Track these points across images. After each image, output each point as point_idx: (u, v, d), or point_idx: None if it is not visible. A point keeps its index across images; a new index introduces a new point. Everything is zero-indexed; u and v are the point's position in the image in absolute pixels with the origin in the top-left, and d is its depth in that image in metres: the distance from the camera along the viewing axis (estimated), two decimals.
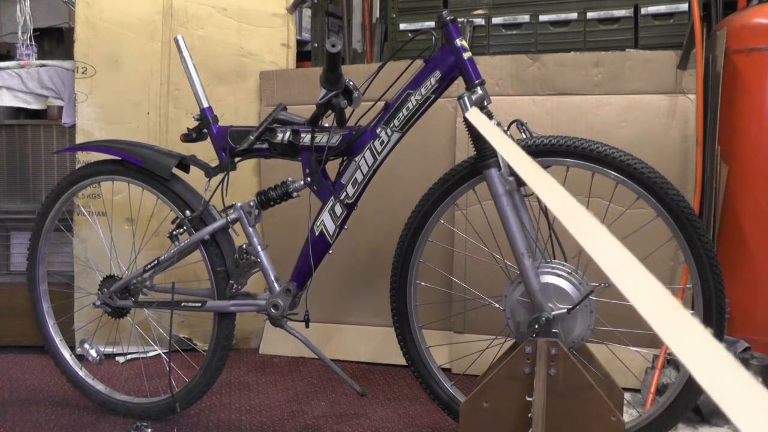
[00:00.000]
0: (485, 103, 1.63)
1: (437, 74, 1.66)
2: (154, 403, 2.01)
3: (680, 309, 0.56)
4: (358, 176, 1.74)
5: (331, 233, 1.78)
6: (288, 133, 1.80)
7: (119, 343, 2.52)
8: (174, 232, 1.90)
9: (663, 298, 0.58)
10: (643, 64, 2.22)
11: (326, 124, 1.79)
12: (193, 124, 1.93)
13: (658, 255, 1.97)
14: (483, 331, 1.97)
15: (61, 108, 2.72)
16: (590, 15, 2.45)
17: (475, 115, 1.51)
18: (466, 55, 1.64)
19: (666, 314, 0.56)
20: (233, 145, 1.85)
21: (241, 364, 2.52)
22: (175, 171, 1.94)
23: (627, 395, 1.90)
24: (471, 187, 1.73)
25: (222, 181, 1.86)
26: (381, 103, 1.74)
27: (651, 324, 0.55)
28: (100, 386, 2.10)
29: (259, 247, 1.85)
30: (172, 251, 1.91)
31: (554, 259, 1.65)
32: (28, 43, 2.91)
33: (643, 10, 2.39)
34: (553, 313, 1.55)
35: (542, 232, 1.66)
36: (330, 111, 1.72)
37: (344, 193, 1.75)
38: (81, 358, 2.12)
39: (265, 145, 1.83)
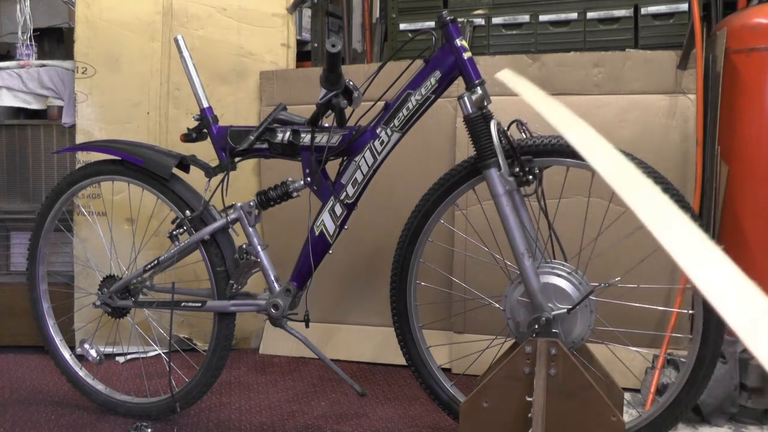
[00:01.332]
0: (485, 103, 1.63)
1: (437, 74, 1.66)
2: (154, 403, 2.01)
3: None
4: (358, 176, 1.74)
5: (331, 233, 1.78)
6: (288, 133, 1.80)
7: (119, 343, 2.52)
8: (174, 232, 1.91)
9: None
10: (643, 64, 2.22)
11: (326, 124, 1.79)
12: (193, 124, 1.93)
13: (658, 255, 1.97)
14: (483, 331, 1.97)
15: (61, 108, 2.72)
16: (590, 15, 2.45)
17: (506, 75, 1.49)
18: (466, 55, 1.64)
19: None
20: (233, 145, 1.85)
21: (241, 364, 2.52)
22: (175, 171, 1.94)
23: (627, 395, 1.90)
24: (471, 187, 1.73)
25: (222, 181, 1.86)
26: (381, 103, 1.74)
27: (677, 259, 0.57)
28: (100, 386, 2.10)
29: (259, 247, 1.85)
30: (172, 251, 1.91)
31: (554, 259, 1.66)
32: (28, 43, 2.91)
33: (643, 10, 2.39)
34: (553, 313, 1.55)
35: (542, 232, 1.66)
36: (330, 111, 1.72)
37: (344, 193, 1.75)
38: (81, 358, 2.12)
39: (265, 145, 1.83)
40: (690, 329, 1.99)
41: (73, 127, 2.67)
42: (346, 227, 1.79)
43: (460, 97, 1.64)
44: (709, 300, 0.48)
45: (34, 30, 2.95)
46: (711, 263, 0.51)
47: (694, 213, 1.55)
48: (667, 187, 1.55)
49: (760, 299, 0.47)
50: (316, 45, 3.00)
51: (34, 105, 2.75)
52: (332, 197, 1.76)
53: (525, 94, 1.13)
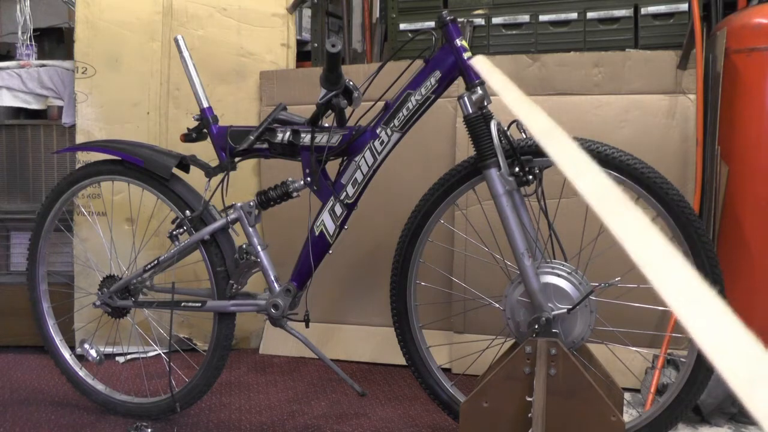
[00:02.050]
0: (485, 103, 1.63)
1: (437, 74, 1.66)
2: (154, 403, 2.01)
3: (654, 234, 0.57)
4: (358, 176, 1.74)
5: (331, 233, 1.78)
6: (288, 133, 1.80)
7: (119, 343, 2.52)
8: (174, 232, 1.91)
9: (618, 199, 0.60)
10: (643, 64, 2.22)
11: (326, 124, 1.79)
12: (193, 124, 1.93)
13: None
14: (483, 331, 1.96)
15: (61, 108, 2.72)
16: (590, 15, 2.45)
17: (480, 61, 1.50)
18: (466, 55, 1.64)
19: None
20: (233, 145, 1.85)
21: (241, 364, 2.52)
22: (175, 171, 1.94)
23: (627, 395, 1.90)
24: (471, 187, 1.73)
25: (222, 181, 1.86)
26: (381, 103, 1.74)
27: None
28: (100, 386, 2.10)
29: (259, 247, 1.85)
30: (172, 251, 1.91)
31: (554, 259, 1.65)
32: (28, 43, 2.91)
33: (643, 10, 2.39)
34: (553, 313, 1.55)
35: (542, 232, 1.66)
36: (330, 111, 1.72)
37: (344, 193, 1.75)
38: (81, 358, 2.12)
39: (265, 145, 1.83)
40: None
41: (73, 127, 2.67)
42: (346, 227, 1.78)
43: (460, 97, 1.64)
44: (705, 353, 0.46)
45: (34, 30, 2.95)
46: (707, 311, 0.49)
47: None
48: (667, 187, 1.55)
49: (759, 354, 0.45)
50: (316, 45, 3.00)
51: (34, 105, 2.75)
52: (332, 197, 1.76)
53: (500, 92, 1.13)
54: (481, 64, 1.46)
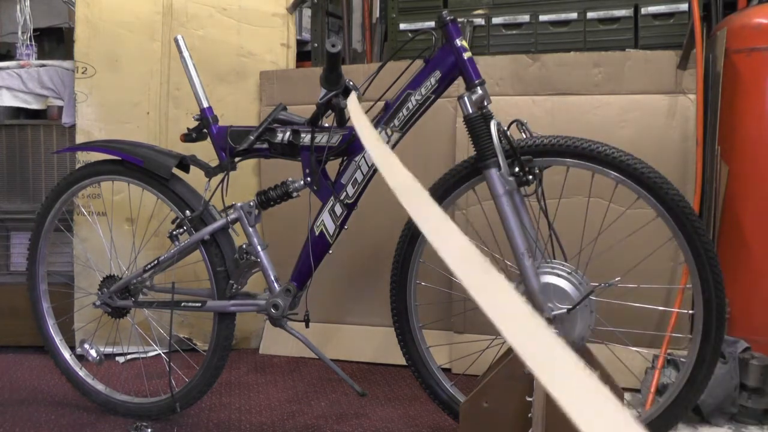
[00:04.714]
0: (485, 103, 1.63)
1: (437, 74, 1.66)
2: (154, 403, 2.01)
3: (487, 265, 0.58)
4: (358, 176, 1.74)
5: (331, 233, 1.78)
6: (288, 133, 1.80)
7: (119, 343, 2.52)
8: (174, 232, 1.91)
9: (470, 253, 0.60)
10: (643, 64, 2.22)
11: (326, 124, 1.79)
12: (193, 124, 1.93)
13: (658, 255, 1.97)
14: (483, 331, 1.96)
15: (61, 108, 2.72)
16: (590, 15, 2.45)
17: (351, 102, 1.50)
18: (466, 55, 1.64)
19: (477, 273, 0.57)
20: (233, 145, 1.85)
21: (241, 364, 2.52)
22: (175, 171, 1.94)
23: (627, 395, 1.90)
24: (471, 187, 1.73)
25: (222, 181, 1.86)
26: (381, 103, 1.74)
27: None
28: (100, 386, 2.10)
29: (259, 247, 1.85)
30: (172, 251, 1.91)
31: (554, 259, 1.65)
32: (28, 43, 2.91)
33: (643, 10, 2.39)
34: (553, 313, 1.55)
35: (542, 232, 1.66)
36: (330, 111, 1.72)
37: (344, 193, 1.75)
38: (81, 358, 2.12)
39: (265, 145, 1.83)
40: (690, 329, 1.99)
41: (73, 127, 2.67)
42: (346, 227, 1.78)
43: (460, 97, 1.64)
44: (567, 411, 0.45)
45: (34, 30, 2.95)
46: (567, 372, 0.49)
47: None
48: (667, 187, 1.55)
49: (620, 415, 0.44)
50: (316, 45, 3.00)
51: (34, 105, 2.75)
52: (332, 197, 1.76)
53: (364, 140, 1.12)
54: (353, 105, 1.43)
